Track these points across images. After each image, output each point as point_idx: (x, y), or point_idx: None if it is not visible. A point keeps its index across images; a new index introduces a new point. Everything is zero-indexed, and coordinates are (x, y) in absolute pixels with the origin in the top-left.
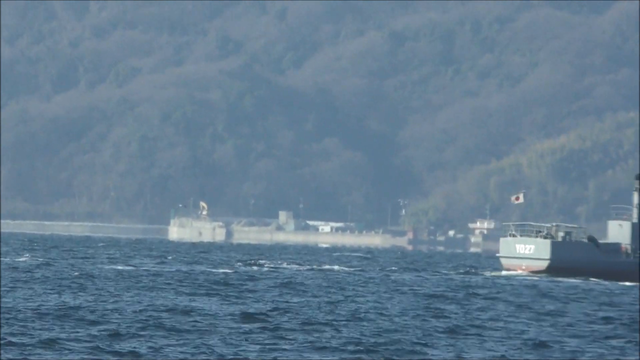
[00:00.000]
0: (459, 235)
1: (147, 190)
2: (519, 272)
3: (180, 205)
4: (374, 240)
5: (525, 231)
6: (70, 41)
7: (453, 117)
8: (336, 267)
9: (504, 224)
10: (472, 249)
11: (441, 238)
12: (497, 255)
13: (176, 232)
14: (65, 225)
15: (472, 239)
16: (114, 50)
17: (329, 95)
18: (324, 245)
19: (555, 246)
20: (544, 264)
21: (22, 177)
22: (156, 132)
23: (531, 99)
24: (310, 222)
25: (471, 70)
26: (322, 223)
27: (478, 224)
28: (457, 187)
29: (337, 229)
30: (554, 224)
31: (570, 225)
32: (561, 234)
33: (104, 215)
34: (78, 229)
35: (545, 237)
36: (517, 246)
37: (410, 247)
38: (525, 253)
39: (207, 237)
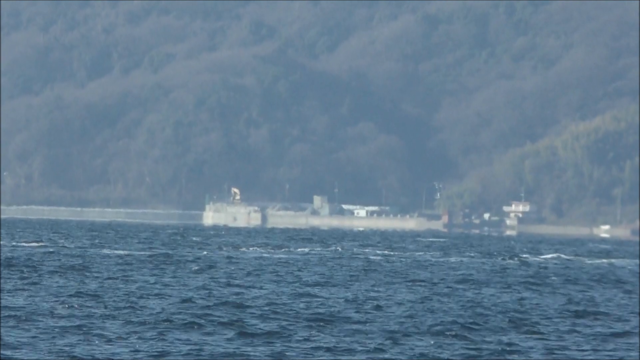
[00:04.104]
0: (494, 218)
1: (182, 175)
2: None
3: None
4: (409, 223)
5: None
6: (104, 27)
7: (488, 100)
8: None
9: None
10: (508, 232)
11: (476, 221)
12: None
13: (211, 217)
14: (101, 212)
15: (508, 222)
16: (148, 36)
17: (363, 79)
18: (360, 229)
19: None
20: None
21: (57, 163)
22: (191, 117)
23: (566, 81)
24: (345, 206)
25: (505, 52)
26: (357, 207)
27: (513, 207)
28: (492, 170)
29: (372, 213)
30: None
31: None
32: None
33: (139, 201)
34: (113, 215)
35: None
36: None
37: (445, 231)
38: None
39: (242, 222)
